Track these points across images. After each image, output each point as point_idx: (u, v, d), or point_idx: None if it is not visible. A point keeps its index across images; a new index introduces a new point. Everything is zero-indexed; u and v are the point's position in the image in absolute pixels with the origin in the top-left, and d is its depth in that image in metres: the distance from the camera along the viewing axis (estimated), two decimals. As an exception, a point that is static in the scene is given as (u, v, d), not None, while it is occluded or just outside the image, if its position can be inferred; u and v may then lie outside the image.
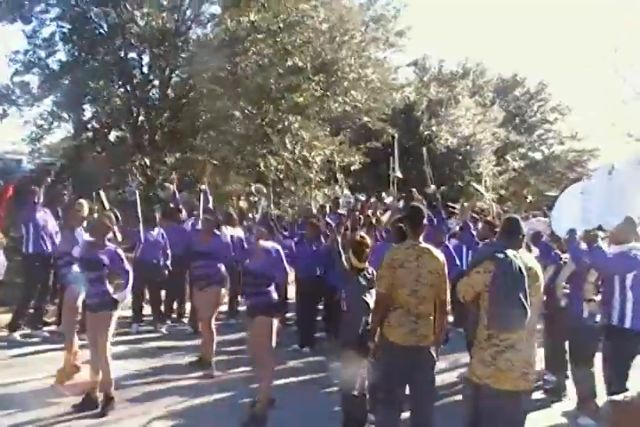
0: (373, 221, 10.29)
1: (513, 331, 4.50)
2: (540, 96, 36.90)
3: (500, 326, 4.51)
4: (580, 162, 35.58)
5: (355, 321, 5.86)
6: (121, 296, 6.50)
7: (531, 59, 70.99)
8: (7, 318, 9.10)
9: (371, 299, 5.76)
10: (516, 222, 4.91)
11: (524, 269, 4.49)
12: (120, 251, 6.59)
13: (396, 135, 12.75)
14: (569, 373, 7.63)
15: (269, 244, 6.79)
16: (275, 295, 6.51)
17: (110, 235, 6.68)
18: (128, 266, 6.65)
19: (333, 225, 9.88)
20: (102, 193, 8.42)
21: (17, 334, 8.80)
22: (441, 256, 5.32)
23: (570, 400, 7.43)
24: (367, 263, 6.07)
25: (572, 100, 49.23)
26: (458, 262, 9.34)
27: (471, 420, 4.72)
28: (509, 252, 4.58)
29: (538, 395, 7.73)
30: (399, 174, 12.12)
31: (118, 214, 6.94)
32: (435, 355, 5.22)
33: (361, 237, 6.19)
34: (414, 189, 10.71)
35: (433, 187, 11.11)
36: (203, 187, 10.25)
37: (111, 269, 6.47)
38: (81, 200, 9.42)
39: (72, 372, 7.13)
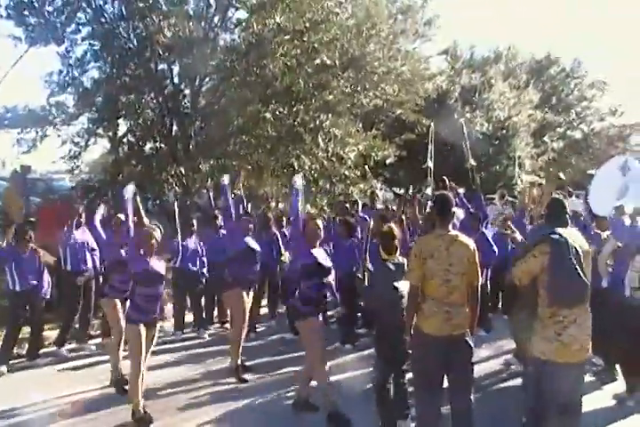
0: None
1: (576, 306, 4.81)
2: (577, 74, 36.24)
3: (563, 303, 4.80)
4: (621, 137, 34.88)
5: (385, 308, 5.95)
6: None
7: (563, 37, 69.94)
8: (54, 333, 9.37)
9: (402, 285, 5.83)
10: (561, 203, 5.08)
11: (577, 247, 4.68)
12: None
13: (432, 125, 12.65)
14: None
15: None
16: None
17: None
18: None
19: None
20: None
21: (64, 349, 9.06)
22: (471, 243, 5.38)
23: (619, 383, 7.41)
24: (398, 256, 6.12)
25: (610, 75, 48.37)
26: (495, 249, 9.32)
27: (533, 394, 4.86)
28: (561, 231, 4.74)
29: (587, 378, 7.72)
30: (430, 164, 12.12)
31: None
32: (471, 344, 5.28)
33: (388, 227, 6.20)
34: (445, 178, 10.68)
35: (471, 161, 11.02)
36: (237, 192, 10.39)
37: None
38: (120, 215, 9.67)
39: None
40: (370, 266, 6.70)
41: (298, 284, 6.61)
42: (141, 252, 6.60)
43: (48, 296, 8.89)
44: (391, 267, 6.02)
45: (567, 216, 5.11)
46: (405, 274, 5.61)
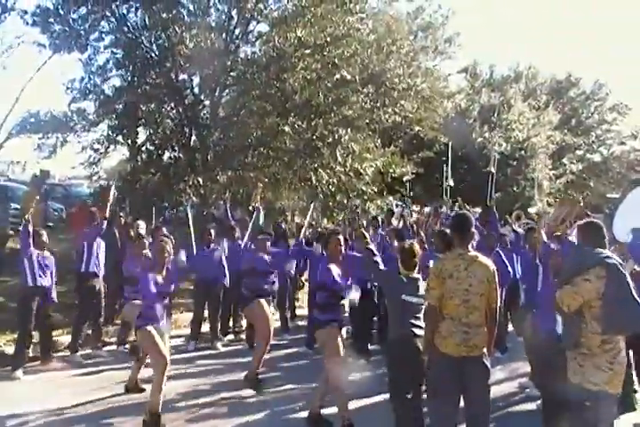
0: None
1: (628, 334, 4.69)
2: (597, 96, 36.16)
3: (619, 331, 4.57)
4: (642, 162, 34.73)
5: (394, 321, 5.87)
6: None
7: (585, 58, 69.91)
8: (69, 338, 9.33)
9: (414, 299, 5.75)
10: (598, 225, 4.92)
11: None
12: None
13: (450, 144, 12.58)
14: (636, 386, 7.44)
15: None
16: None
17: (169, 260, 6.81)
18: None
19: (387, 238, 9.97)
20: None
21: (78, 355, 9.01)
22: (490, 264, 5.27)
23: (639, 413, 7.22)
24: (415, 273, 6.02)
25: (632, 98, 48.24)
26: (510, 270, 9.21)
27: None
28: (613, 255, 4.59)
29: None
30: (451, 183, 12.05)
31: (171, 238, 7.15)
32: (488, 365, 5.17)
33: (409, 244, 6.13)
34: (459, 198, 10.66)
35: (492, 168, 10.91)
36: (256, 205, 10.40)
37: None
38: (139, 221, 9.70)
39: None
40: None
41: (314, 294, 6.57)
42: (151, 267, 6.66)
43: (55, 300, 8.85)
44: (404, 279, 5.93)
45: (606, 240, 4.91)
46: (424, 293, 5.51)
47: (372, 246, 6.50)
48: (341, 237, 6.77)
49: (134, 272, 7.64)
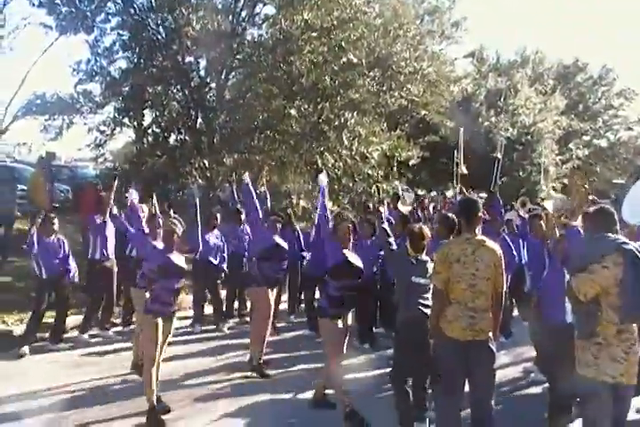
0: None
1: None
2: (605, 81, 35.96)
3: (637, 319, 4.47)
4: (649, 147, 34.62)
5: (401, 302, 5.92)
6: None
7: (592, 43, 69.36)
8: (77, 318, 9.39)
9: (422, 280, 5.82)
10: (609, 211, 4.85)
11: None
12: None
13: (461, 129, 12.41)
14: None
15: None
16: None
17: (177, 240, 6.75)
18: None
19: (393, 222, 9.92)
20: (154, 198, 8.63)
21: (86, 335, 9.08)
22: (497, 248, 5.26)
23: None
24: (424, 255, 6.05)
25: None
26: (515, 254, 9.20)
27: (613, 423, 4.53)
28: (628, 240, 4.53)
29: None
30: (464, 170, 11.88)
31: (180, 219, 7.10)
32: (494, 350, 5.18)
33: (419, 227, 6.15)
34: (459, 186, 10.62)
35: (499, 154, 10.86)
36: (262, 189, 10.38)
37: None
38: (142, 204, 9.68)
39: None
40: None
41: (326, 283, 6.52)
42: (161, 246, 6.60)
43: (77, 280, 8.92)
44: (412, 261, 5.97)
45: (617, 226, 4.80)
46: (431, 277, 5.53)
47: (386, 226, 6.51)
48: (350, 225, 6.73)
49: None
